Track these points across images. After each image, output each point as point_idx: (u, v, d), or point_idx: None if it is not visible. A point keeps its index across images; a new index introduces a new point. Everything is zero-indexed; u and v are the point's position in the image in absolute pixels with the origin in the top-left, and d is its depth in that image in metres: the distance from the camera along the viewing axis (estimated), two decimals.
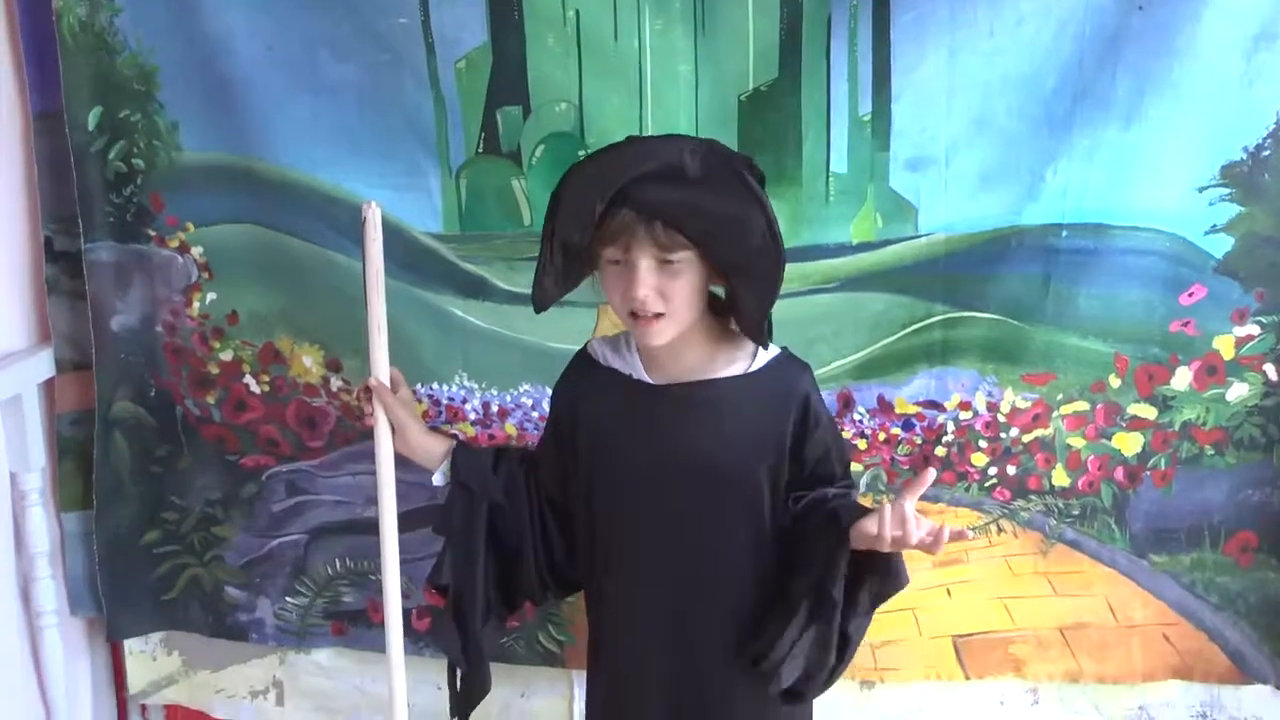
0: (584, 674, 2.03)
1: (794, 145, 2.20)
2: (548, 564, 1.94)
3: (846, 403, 2.29)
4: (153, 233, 2.37)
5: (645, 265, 1.64)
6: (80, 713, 2.58)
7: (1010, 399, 2.27)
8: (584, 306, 2.16)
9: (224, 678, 2.65)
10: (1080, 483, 2.31)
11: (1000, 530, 2.35)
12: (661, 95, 2.19)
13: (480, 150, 2.25)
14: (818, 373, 2.24)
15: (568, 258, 1.70)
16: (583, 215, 1.64)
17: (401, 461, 1.92)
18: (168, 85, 2.29)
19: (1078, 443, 2.30)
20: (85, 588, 2.53)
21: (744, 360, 1.79)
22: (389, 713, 1.97)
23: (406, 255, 2.28)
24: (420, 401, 2.34)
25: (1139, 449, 2.29)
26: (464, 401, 2.35)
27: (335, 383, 2.40)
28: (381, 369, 1.89)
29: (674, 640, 1.83)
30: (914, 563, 2.33)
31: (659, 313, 1.66)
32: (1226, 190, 2.16)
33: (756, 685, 1.78)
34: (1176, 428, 2.28)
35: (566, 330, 2.18)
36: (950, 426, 2.29)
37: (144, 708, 2.72)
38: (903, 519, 1.60)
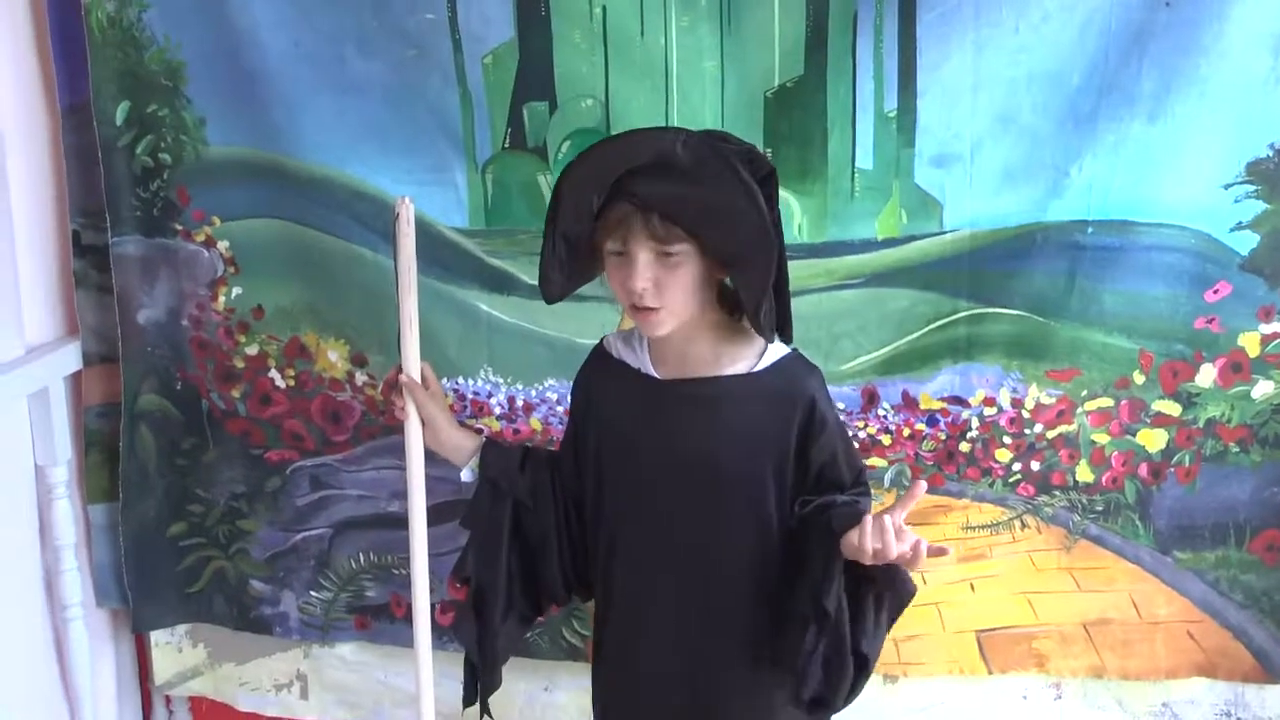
0: None
1: (819, 142, 2.20)
2: (572, 564, 1.93)
3: (871, 398, 2.29)
4: (179, 227, 2.38)
5: (643, 258, 1.64)
6: (105, 704, 2.60)
7: (1035, 395, 2.27)
8: (608, 301, 2.16)
9: (248, 670, 2.66)
10: (1104, 479, 2.31)
11: (1024, 526, 2.35)
12: (687, 92, 2.19)
13: (506, 146, 2.26)
14: (842, 368, 2.27)
15: (571, 249, 1.71)
16: (581, 209, 1.66)
17: (426, 456, 1.93)
18: (195, 80, 2.30)
19: (1102, 439, 2.30)
20: (111, 579, 2.54)
21: (750, 359, 1.77)
22: (417, 706, 1.98)
23: (433, 250, 2.28)
24: (447, 396, 2.35)
25: (1163, 445, 2.29)
26: (489, 396, 2.36)
27: (360, 377, 2.40)
28: (413, 364, 1.90)
29: (679, 639, 1.82)
30: (938, 557, 2.36)
31: (657, 306, 1.67)
32: (1252, 187, 2.15)
33: (764, 686, 1.79)
34: (1201, 424, 2.27)
35: (591, 325, 2.19)
36: (975, 422, 2.29)
37: (169, 699, 2.74)
38: (882, 531, 1.57)
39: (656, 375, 1.80)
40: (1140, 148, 2.14)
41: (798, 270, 2.22)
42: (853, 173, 2.21)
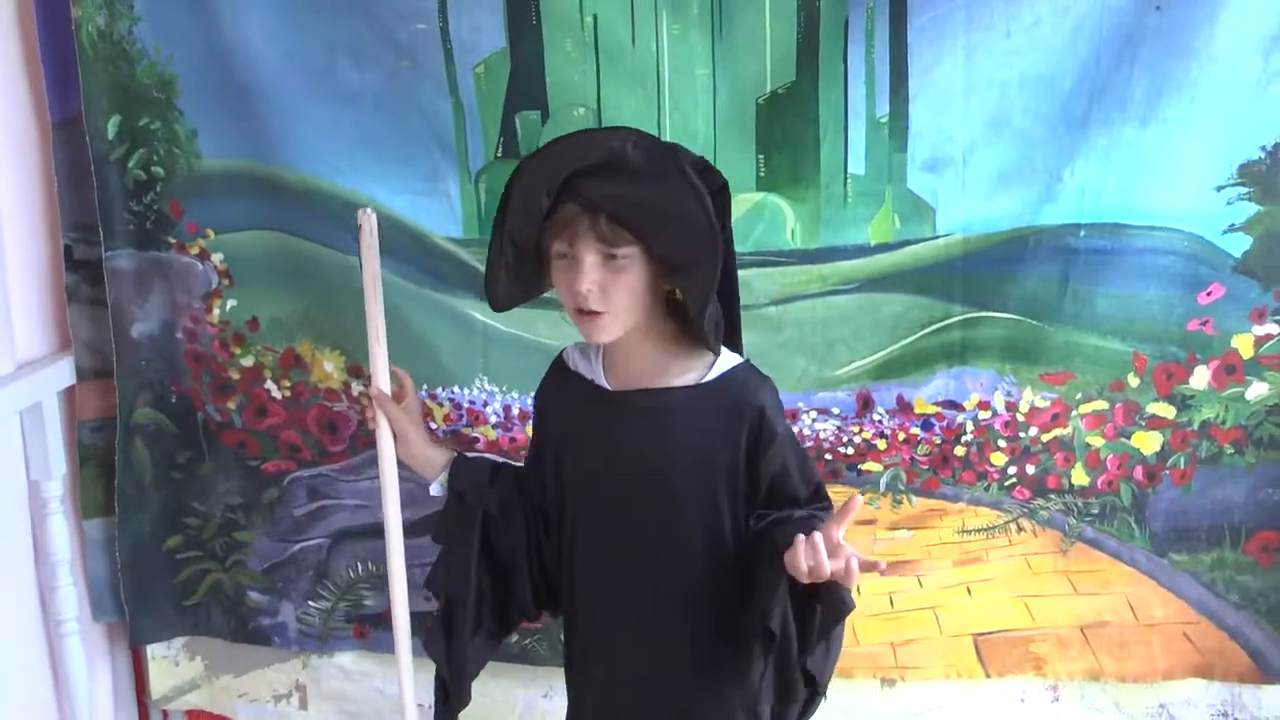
0: None
1: (812, 148, 2.21)
2: (543, 579, 1.90)
3: (866, 403, 2.30)
4: (173, 240, 2.38)
5: (589, 260, 1.61)
6: (102, 718, 2.58)
7: (1029, 398, 2.28)
8: None
9: (246, 682, 2.66)
10: (1099, 482, 2.32)
11: (1020, 529, 2.36)
12: (679, 99, 2.20)
13: (499, 155, 2.26)
14: (837, 373, 2.28)
15: (519, 253, 1.68)
16: (530, 209, 1.62)
17: (401, 468, 1.92)
18: (187, 93, 2.30)
19: (1097, 442, 2.30)
20: (107, 594, 2.54)
21: (700, 369, 1.73)
22: (401, 711, 1.99)
23: (427, 259, 2.29)
24: (442, 405, 2.35)
25: (1158, 448, 2.30)
26: (485, 405, 2.36)
27: (356, 388, 2.40)
28: (382, 376, 1.88)
29: (636, 653, 1.79)
30: (934, 561, 2.37)
31: (601, 309, 1.63)
32: (1244, 189, 2.16)
33: (719, 703, 1.76)
34: (1195, 427, 2.28)
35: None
36: (969, 426, 2.30)
37: (165, 714, 2.73)
38: (815, 549, 1.52)
39: (608, 386, 1.77)
40: (1132, 151, 2.15)
41: (792, 276, 2.25)
42: (845, 178, 2.22)
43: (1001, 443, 2.31)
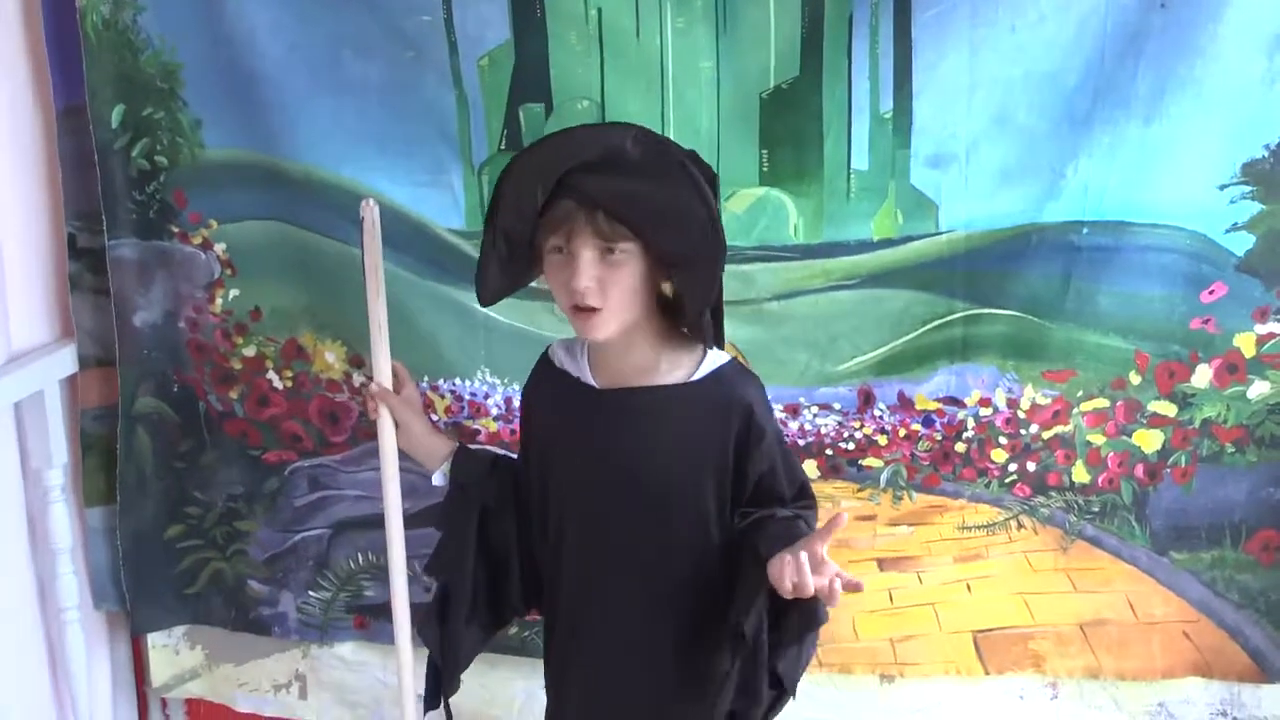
0: None
1: (815, 142, 2.20)
2: (531, 575, 1.91)
3: (867, 399, 2.29)
4: (175, 229, 2.38)
5: (587, 256, 1.60)
6: (101, 706, 2.59)
7: (1030, 396, 2.28)
8: None
9: (247, 671, 2.66)
10: (1100, 479, 2.32)
11: (1020, 526, 2.35)
12: (683, 93, 2.19)
13: (503, 148, 2.26)
14: (838, 369, 2.28)
15: (512, 247, 1.66)
16: (524, 204, 1.61)
17: (402, 458, 1.93)
18: (191, 83, 2.30)
19: (1098, 439, 2.30)
20: (109, 582, 2.54)
21: (688, 367, 1.73)
22: (400, 705, 1.99)
23: (430, 251, 2.29)
24: (444, 397, 2.35)
25: (1159, 446, 2.29)
26: (486, 397, 2.36)
27: (358, 378, 2.40)
28: (383, 371, 1.89)
29: (616, 649, 1.79)
30: (934, 557, 2.37)
31: (598, 306, 1.62)
32: (1248, 188, 2.15)
33: (696, 701, 1.75)
34: (1197, 425, 2.28)
35: None
36: (970, 423, 2.30)
37: (165, 702, 2.74)
38: (799, 568, 1.51)
39: (595, 384, 1.76)
40: (1136, 149, 2.14)
41: (794, 271, 2.25)
42: (848, 174, 2.21)
43: (1002, 440, 2.31)
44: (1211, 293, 2.20)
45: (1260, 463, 2.28)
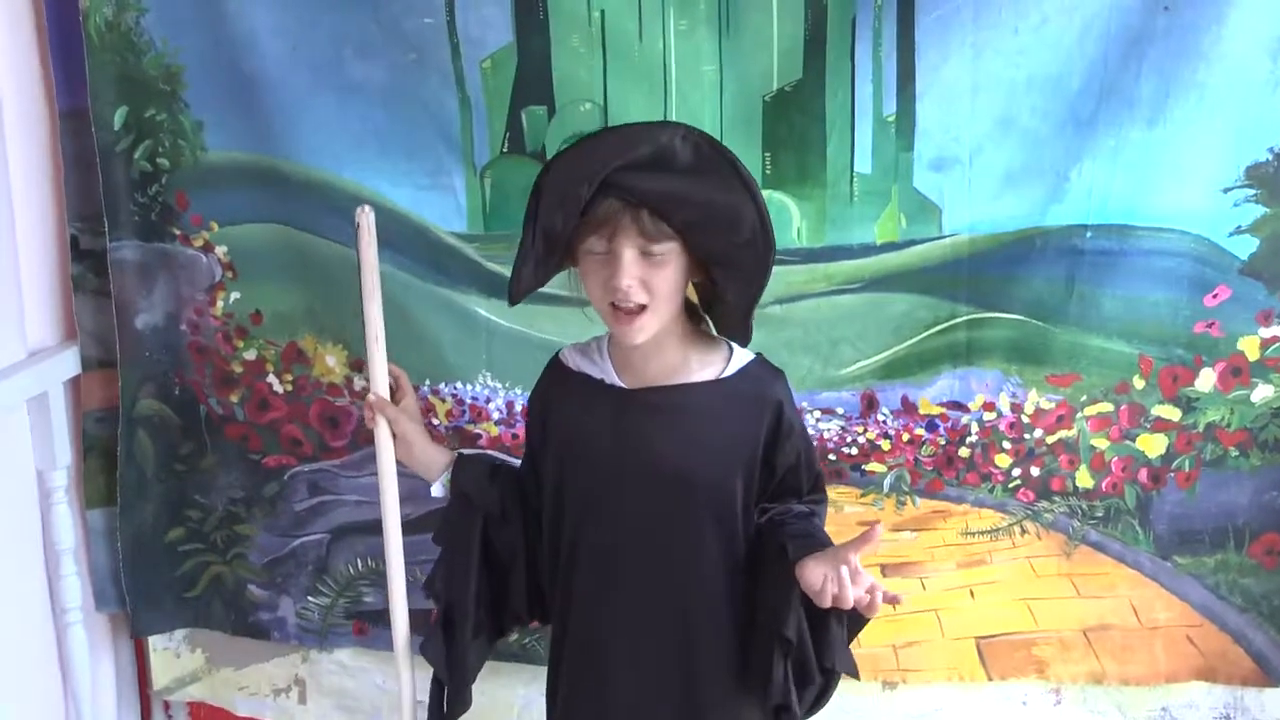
0: None
1: (818, 146, 2.20)
2: (534, 584, 1.89)
3: (870, 403, 2.29)
4: (177, 232, 2.38)
5: (629, 255, 1.59)
6: (104, 708, 2.59)
7: (1034, 400, 2.27)
8: None
9: (246, 675, 2.66)
10: (1104, 484, 2.31)
11: (1024, 531, 2.35)
12: (686, 96, 2.19)
13: (505, 150, 2.26)
14: (841, 373, 2.27)
15: (550, 247, 1.65)
16: (568, 202, 1.59)
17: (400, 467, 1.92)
18: (193, 85, 2.30)
19: (1102, 444, 2.29)
20: (109, 584, 2.54)
21: (717, 365, 1.74)
22: (399, 711, 1.98)
23: (431, 254, 2.28)
24: (445, 400, 2.35)
25: (1163, 450, 2.29)
26: (488, 401, 2.36)
27: (358, 383, 2.40)
28: (380, 381, 1.87)
29: (647, 652, 1.77)
30: (937, 563, 2.36)
31: (641, 305, 1.62)
32: (1251, 191, 2.15)
33: (735, 700, 1.75)
34: (1201, 429, 2.27)
35: (590, 331, 2.18)
36: (974, 427, 2.29)
37: (167, 704, 2.74)
38: (840, 581, 1.54)
39: (623, 385, 1.75)
40: (1139, 152, 2.14)
41: (797, 275, 2.24)
42: (851, 177, 2.21)
43: (1006, 444, 2.30)
44: (1215, 296, 2.20)
45: (1264, 466, 2.27)
